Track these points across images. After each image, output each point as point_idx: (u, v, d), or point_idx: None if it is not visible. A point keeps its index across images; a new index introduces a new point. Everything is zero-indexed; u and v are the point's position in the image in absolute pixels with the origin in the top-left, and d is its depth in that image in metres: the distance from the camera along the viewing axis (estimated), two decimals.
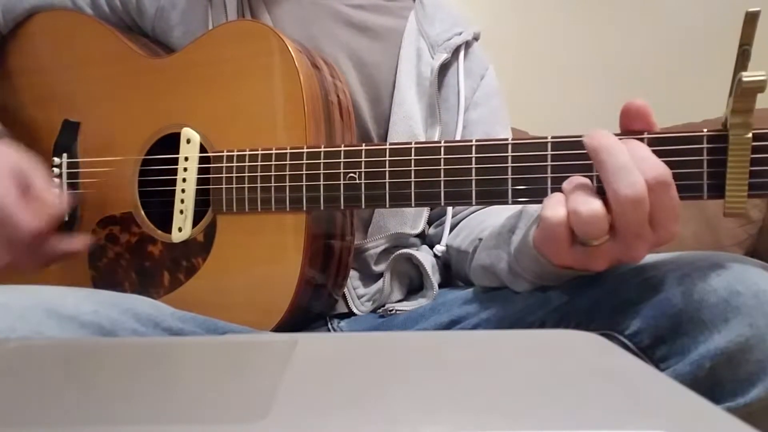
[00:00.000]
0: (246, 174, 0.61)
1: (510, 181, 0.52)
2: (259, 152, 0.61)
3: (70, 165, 0.73)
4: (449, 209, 0.76)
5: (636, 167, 0.44)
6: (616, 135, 0.48)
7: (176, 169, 0.66)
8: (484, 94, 0.81)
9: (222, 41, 0.66)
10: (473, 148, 0.53)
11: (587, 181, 0.47)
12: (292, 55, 0.62)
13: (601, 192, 0.45)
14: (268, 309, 0.61)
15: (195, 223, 0.65)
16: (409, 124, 0.75)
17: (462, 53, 0.79)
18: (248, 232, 0.62)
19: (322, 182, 0.58)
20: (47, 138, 0.74)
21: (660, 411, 0.22)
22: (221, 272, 0.64)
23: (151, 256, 0.67)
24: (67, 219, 0.72)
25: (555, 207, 0.46)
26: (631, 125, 0.48)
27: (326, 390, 0.25)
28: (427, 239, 0.81)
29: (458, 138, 0.76)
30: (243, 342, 0.35)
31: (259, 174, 0.61)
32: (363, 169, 0.57)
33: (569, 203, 0.45)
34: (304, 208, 0.59)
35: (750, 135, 0.45)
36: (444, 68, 0.77)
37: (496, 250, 0.58)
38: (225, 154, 0.63)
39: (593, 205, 0.44)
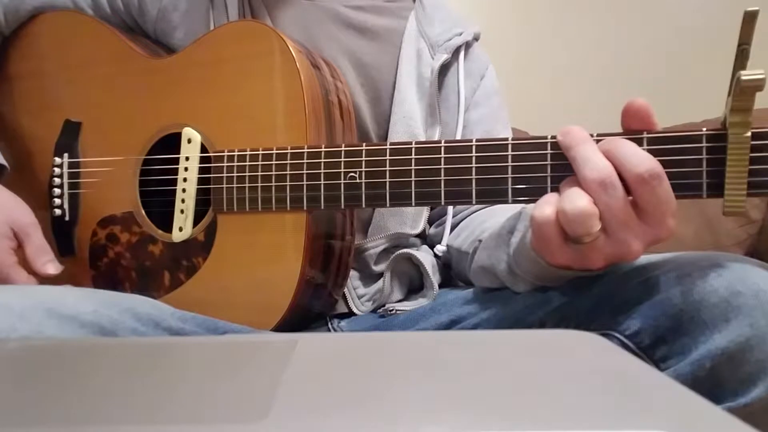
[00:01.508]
0: (247, 174, 0.61)
1: (510, 181, 0.52)
2: (260, 152, 0.61)
3: (71, 165, 0.73)
4: (450, 209, 0.76)
5: (604, 157, 0.45)
6: (617, 134, 0.49)
7: (177, 168, 0.66)
8: (484, 94, 0.81)
9: (223, 41, 0.66)
10: (473, 147, 0.53)
11: None
12: (293, 55, 0.62)
13: None
14: (269, 309, 0.61)
15: (195, 223, 0.65)
16: (409, 124, 0.75)
17: (462, 53, 0.79)
18: (249, 231, 0.62)
19: (322, 182, 0.58)
20: (48, 138, 0.74)
21: (660, 411, 0.22)
22: (221, 272, 0.64)
23: (152, 255, 0.67)
24: (68, 219, 0.72)
25: (543, 207, 0.47)
26: (632, 124, 0.48)
27: (326, 390, 0.25)
28: (428, 239, 0.81)
29: (458, 138, 0.76)
30: (243, 342, 0.35)
31: (259, 174, 0.61)
32: (363, 169, 0.57)
33: (558, 202, 0.46)
34: (305, 208, 0.59)
35: (749, 134, 0.45)
36: (444, 68, 0.77)
37: (495, 251, 0.58)
38: (226, 153, 0.63)
39: (579, 203, 0.44)
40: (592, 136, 0.48)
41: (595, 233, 0.44)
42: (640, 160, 0.44)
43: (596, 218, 0.44)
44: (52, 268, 0.65)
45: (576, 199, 0.44)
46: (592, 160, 0.45)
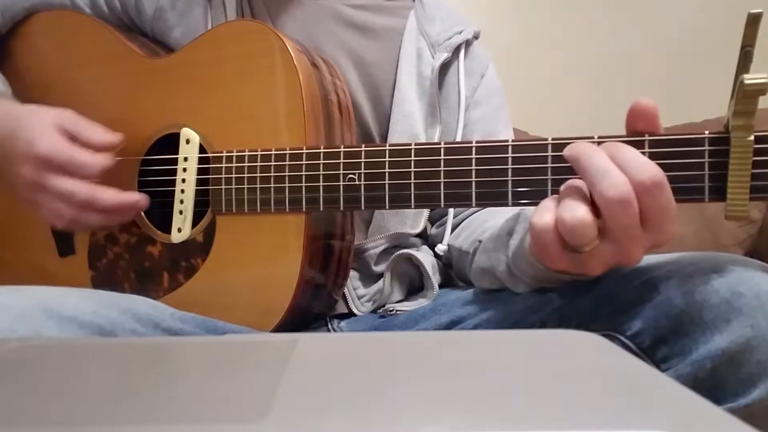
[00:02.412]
0: (245, 174, 0.61)
1: (510, 183, 0.52)
2: (259, 153, 0.61)
3: None
4: (451, 209, 0.76)
5: (617, 168, 0.44)
6: (618, 137, 0.48)
7: (176, 169, 0.66)
8: (485, 93, 0.81)
9: (221, 41, 0.66)
10: (473, 149, 0.53)
11: (582, 184, 0.46)
12: (292, 54, 0.62)
13: None
14: (268, 309, 0.61)
15: (194, 224, 0.65)
16: (409, 123, 0.75)
17: (462, 52, 0.79)
18: (248, 232, 0.62)
19: (321, 183, 0.58)
20: None
21: (661, 411, 0.22)
22: (221, 273, 0.63)
23: (151, 256, 0.67)
24: None
25: (542, 214, 0.46)
26: (636, 124, 0.48)
27: (326, 390, 0.25)
28: (429, 239, 0.81)
29: (459, 137, 0.76)
30: (243, 342, 0.35)
31: (258, 174, 0.61)
32: (362, 170, 0.57)
33: (557, 210, 0.45)
34: (304, 209, 0.59)
35: (752, 137, 0.45)
36: (444, 67, 0.77)
37: (495, 253, 0.58)
38: (224, 154, 0.63)
39: (577, 213, 0.43)
40: (593, 138, 0.48)
41: (594, 242, 0.44)
42: (643, 167, 0.43)
43: (595, 228, 0.44)
44: (113, 136, 0.64)
45: (575, 209, 0.44)
46: (611, 175, 0.43)
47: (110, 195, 0.62)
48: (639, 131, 0.48)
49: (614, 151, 0.45)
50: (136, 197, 0.64)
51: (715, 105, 0.70)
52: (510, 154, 0.51)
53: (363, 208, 0.57)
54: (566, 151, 0.48)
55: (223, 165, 0.62)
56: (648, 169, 0.43)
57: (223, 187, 0.62)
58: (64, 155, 0.60)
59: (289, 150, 0.59)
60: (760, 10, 0.43)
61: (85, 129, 0.63)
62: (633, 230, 0.44)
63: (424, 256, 0.73)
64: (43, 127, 0.62)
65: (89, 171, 0.61)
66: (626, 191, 0.43)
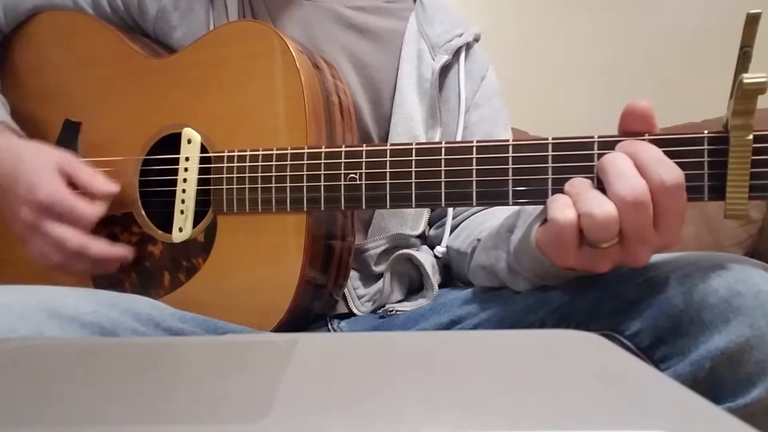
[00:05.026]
0: (247, 174, 0.61)
1: (510, 183, 0.52)
2: (260, 152, 0.61)
3: None
4: (450, 210, 0.76)
5: (637, 171, 0.44)
6: (618, 136, 0.48)
7: (177, 169, 0.66)
8: (485, 95, 0.81)
9: (223, 41, 0.66)
10: (474, 149, 0.53)
11: (590, 182, 0.47)
12: (293, 55, 0.62)
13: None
14: (269, 309, 0.61)
15: (195, 224, 0.65)
16: (410, 125, 0.75)
17: (463, 55, 0.79)
18: (249, 232, 0.62)
19: (322, 183, 0.58)
20: (48, 138, 0.74)
21: (660, 411, 0.22)
22: (221, 272, 0.64)
23: (152, 256, 0.67)
24: None
25: (564, 209, 0.46)
26: (632, 126, 0.48)
27: (326, 390, 0.25)
28: (428, 240, 0.81)
29: (459, 139, 0.76)
30: (243, 342, 0.35)
31: (259, 174, 0.61)
32: (364, 170, 0.57)
33: (581, 205, 0.45)
34: (305, 209, 0.59)
35: (751, 137, 0.45)
36: (445, 70, 0.77)
37: (495, 251, 0.58)
38: (226, 154, 0.63)
39: (608, 208, 0.43)
40: (592, 137, 0.48)
41: (615, 239, 0.44)
42: (667, 168, 0.44)
43: (618, 225, 0.44)
44: (112, 186, 0.65)
45: (604, 204, 0.44)
46: (630, 177, 0.44)
47: (100, 247, 0.63)
48: (635, 133, 0.48)
49: (634, 148, 0.45)
50: (124, 251, 0.65)
51: (715, 105, 0.70)
52: (510, 154, 0.51)
53: (364, 207, 0.57)
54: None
55: (225, 165, 0.62)
56: (672, 170, 0.43)
57: (225, 186, 0.62)
58: (64, 204, 0.61)
59: (291, 150, 0.60)
60: (758, 11, 0.43)
61: (85, 175, 0.64)
62: (644, 232, 0.44)
63: (424, 256, 0.73)
64: (45, 171, 0.63)
65: (86, 222, 0.62)
66: (643, 194, 0.43)
